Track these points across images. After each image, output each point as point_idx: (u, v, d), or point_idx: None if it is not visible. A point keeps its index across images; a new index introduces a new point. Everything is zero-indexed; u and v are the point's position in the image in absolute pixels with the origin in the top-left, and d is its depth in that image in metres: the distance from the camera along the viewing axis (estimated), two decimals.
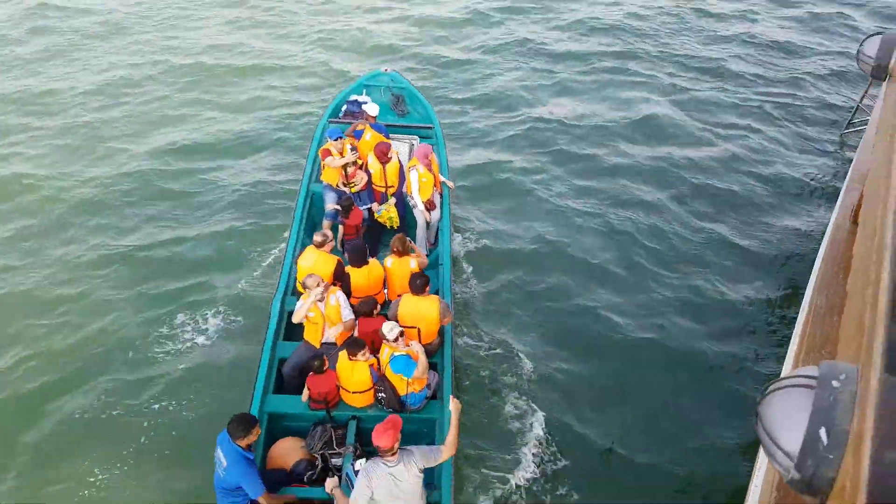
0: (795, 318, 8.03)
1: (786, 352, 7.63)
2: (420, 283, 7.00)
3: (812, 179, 12.06)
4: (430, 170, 8.99)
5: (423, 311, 6.98)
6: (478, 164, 12.12)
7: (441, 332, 7.27)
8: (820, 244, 8.84)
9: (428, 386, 6.72)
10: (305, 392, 6.56)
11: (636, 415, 7.91)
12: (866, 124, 11.30)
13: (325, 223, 8.71)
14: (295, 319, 6.98)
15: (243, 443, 5.55)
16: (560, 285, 9.59)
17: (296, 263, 7.61)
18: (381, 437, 5.33)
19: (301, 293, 7.14)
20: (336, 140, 8.98)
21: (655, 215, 11.00)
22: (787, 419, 3.17)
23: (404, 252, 7.62)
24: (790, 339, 7.67)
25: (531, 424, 7.63)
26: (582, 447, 7.48)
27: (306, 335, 7.00)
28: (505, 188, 11.59)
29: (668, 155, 12.52)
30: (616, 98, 14.46)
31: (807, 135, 13.36)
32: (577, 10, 18.44)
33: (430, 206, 8.98)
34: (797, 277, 9.82)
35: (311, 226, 8.97)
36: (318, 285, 6.77)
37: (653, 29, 17.51)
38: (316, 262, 7.29)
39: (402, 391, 6.54)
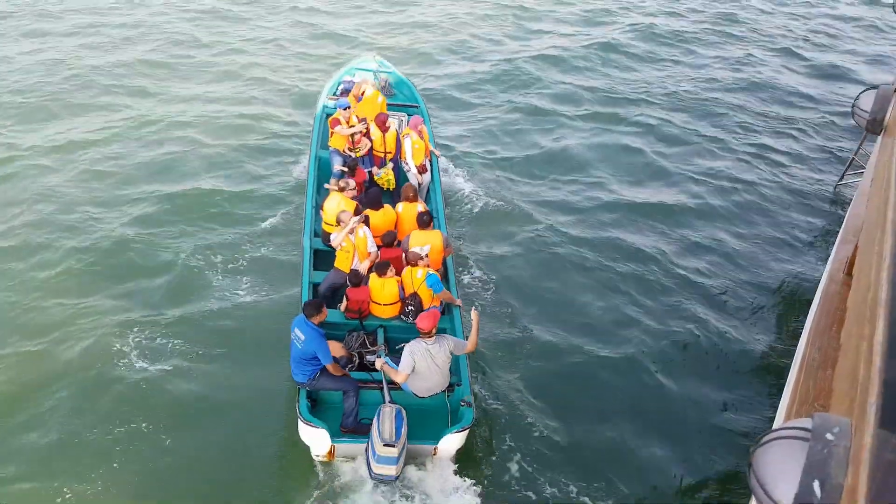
0: (788, 370, 8.01)
1: (777, 403, 7.60)
2: (426, 218, 8.67)
3: (805, 231, 12.16)
4: (421, 137, 10.60)
5: (430, 240, 8.54)
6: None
7: (444, 263, 8.74)
8: (813, 296, 8.84)
9: (441, 303, 8.26)
10: (344, 303, 8.16)
11: (623, 465, 7.82)
12: (860, 177, 11.42)
13: (332, 181, 9.72)
14: (334, 243, 8.62)
15: (316, 320, 7.17)
16: (550, 337, 9.40)
17: (320, 209, 9.26)
18: (425, 321, 7.21)
19: (324, 234, 9.06)
20: (345, 110, 10.45)
21: (645, 263, 10.90)
22: (780, 471, 3.15)
23: (414, 199, 9.24)
24: (782, 390, 7.64)
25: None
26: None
27: (337, 263, 8.54)
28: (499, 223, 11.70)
29: (660, 202, 12.58)
30: (606, 141, 14.53)
31: (801, 186, 13.50)
32: (575, 54, 18.67)
33: (421, 169, 10.44)
34: (790, 329, 9.82)
35: (319, 185, 10.26)
36: (350, 219, 8.44)
37: (647, 72, 17.82)
38: (339, 203, 8.82)
39: (426, 304, 8.02)
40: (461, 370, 7.91)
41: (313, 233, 9.41)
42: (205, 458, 7.36)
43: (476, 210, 11.67)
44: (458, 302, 8.67)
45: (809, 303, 8.83)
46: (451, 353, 7.40)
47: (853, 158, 13.13)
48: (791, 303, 10.44)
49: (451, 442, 7.29)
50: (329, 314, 7.63)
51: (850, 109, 9.36)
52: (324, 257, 9.04)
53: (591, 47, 18.80)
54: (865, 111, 8.32)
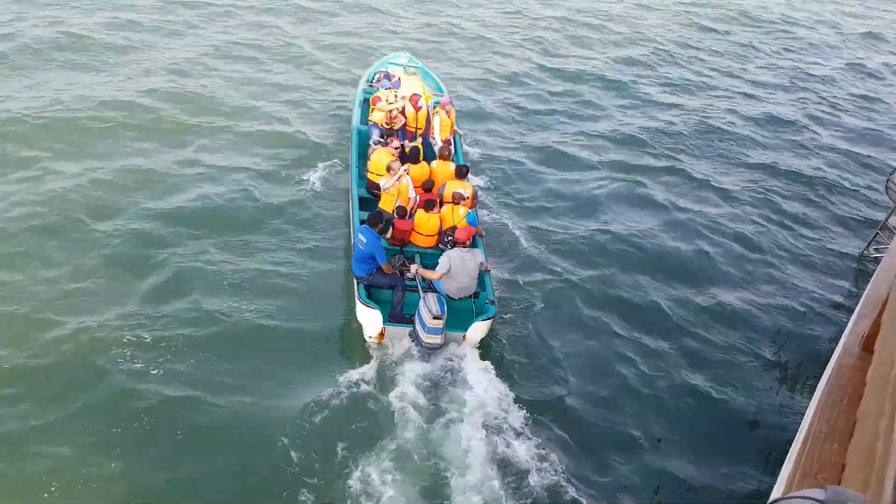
0: (790, 441, 7.81)
1: (777, 473, 7.42)
2: (464, 170, 10.83)
3: (821, 300, 11.87)
4: (448, 116, 12.45)
5: (467, 187, 10.60)
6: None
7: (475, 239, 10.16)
8: (823, 368, 8.64)
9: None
10: (389, 232, 10.15)
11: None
12: (885, 251, 11.19)
13: (373, 147, 11.77)
14: (384, 185, 10.39)
15: (376, 228, 9.35)
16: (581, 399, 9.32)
17: (365, 165, 11.52)
18: (463, 232, 9.46)
19: (369, 183, 11.23)
20: (387, 90, 12.69)
21: (649, 320, 10.65)
22: None
23: (448, 157, 11.24)
24: (782, 461, 7.49)
25: None
26: None
27: (381, 204, 10.37)
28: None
29: (676, 259, 12.32)
30: (625, 189, 14.16)
31: (822, 253, 13.19)
32: (606, 108, 18.15)
33: (444, 153, 11.48)
34: (794, 399, 9.64)
35: (360, 153, 12.31)
36: (399, 167, 10.37)
37: (675, 122, 17.53)
38: (386, 156, 10.84)
39: (464, 237, 9.50)
40: (486, 282, 9.90)
41: (356, 183, 11.53)
42: (281, 339, 9.32)
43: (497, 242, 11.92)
44: (481, 232, 10.67)
45: (818, 375, 8.66)
46: (480, 263, 9.50)
47: (879, 231, 12.93)
48: (798, 373, 10.24)
49: (477, 329, 9.23)
50: None
51: (883, 182, 9.26)
52: (365, 205, 10.95)
53: (618, 91, 18.78)
54: None
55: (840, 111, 19.89)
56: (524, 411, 8.60)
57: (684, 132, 16.87)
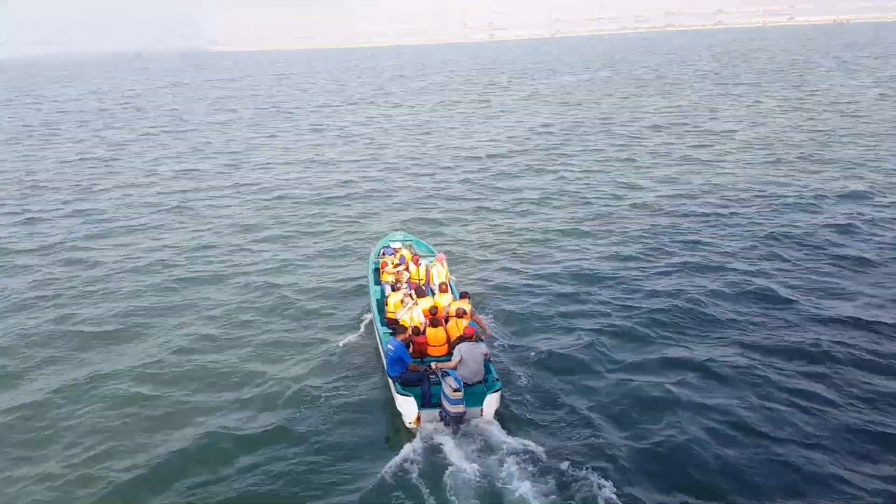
0: None
1: None
2: (464, 294, 15.18)
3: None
4: (444, 265, 16.64)
5: (465, 304, 14.55)
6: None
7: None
8: None
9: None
10: (410, 346, 13.37)
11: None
12: None
13: (388, 295, 15.93)
14: (400, 315, 14.44)
15: (401, 338, 12.95)
16: None
17: (385, 303, 15.78)
18: (468, 330, 12.93)
19: (388, 321, 15.07)
20: (391, 255, 18.13)
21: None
22: None
23: (446, 290, 15.61)
24: None
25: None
26: None
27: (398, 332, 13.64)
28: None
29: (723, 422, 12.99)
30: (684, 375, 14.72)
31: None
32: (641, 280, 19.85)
33: (442, 288, 15.64)
34: None
35: (377, 303, 16.48)
36: (410, 301, 14.70)
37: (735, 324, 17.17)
38: (400, 297, 15.15)
39: (469, 333, 13.10)
40: (490, 367, 13.13)
41: (380, 322, 15.53)
42: (331, 439, 12.85)
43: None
44: (489, 332, 15.05)
45: None
46: (485, 352, 12.80)
47: None
48: None
49: (490, 402, 12.23)
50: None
51: None
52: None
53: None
54: None
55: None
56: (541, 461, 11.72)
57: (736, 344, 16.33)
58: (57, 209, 30.96)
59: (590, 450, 12.17)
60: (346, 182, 34.78)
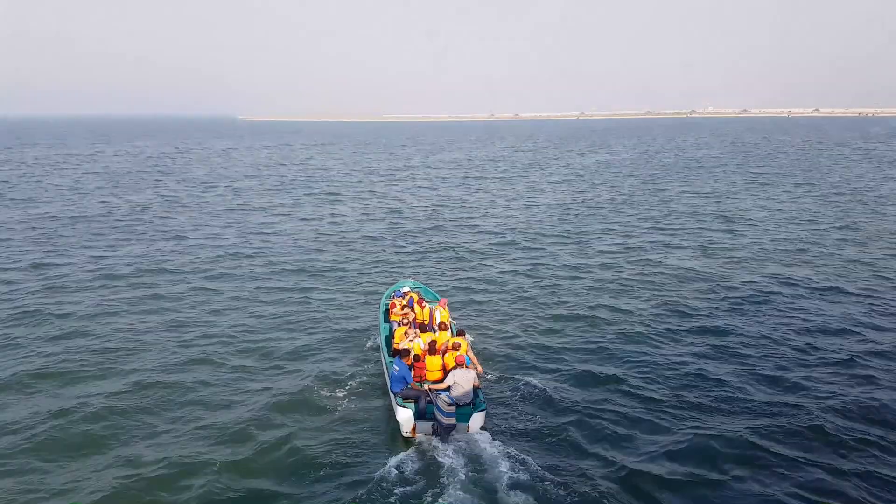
0: None
1: None
2: (460, 331, 16.64)
3: None
4: (445, 308, 18.23)
5: (461, 340, 15.72)
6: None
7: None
8: None
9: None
10: (412, 371, 14.58)
11: None
12: None
13: (395, 329, 17.48)
14: (402, 346, 15.63)
15: (406, 361, 14.36)
16: None
17: (392, 336, 17.19)
18: (460, 357, 14.45)
19: (394, 350, 16.18)
20: (400, 297, 19.30)
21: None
22: None
23: (446, 329, 16.87)
24: None
25: None
26: None
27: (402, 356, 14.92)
28: None
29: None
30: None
31: None
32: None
33: (442, 327, 16.90)
34: None
35: (386, 340, 17.67)
36: (413, 334, 16.09)
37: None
38: (404, 330, 16.72)
39: (460, 361, 14.49)
40: (479, 393, 14.38)
41: (384, 346, 17.29)
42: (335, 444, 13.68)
43: None
44: (480, 369, 15.31)
45: None
46: (474, 377, 14.24)
47: None
48: None
49: (477, 419, 13.60)
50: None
51: None
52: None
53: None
54: None
55: None
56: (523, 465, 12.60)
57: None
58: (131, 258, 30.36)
59: (564, 461, 13.14)
60: (368, 237, 35.85)
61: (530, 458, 12.70)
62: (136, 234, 35.32)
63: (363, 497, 11.65)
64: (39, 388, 16.17)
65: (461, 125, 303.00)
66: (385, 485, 11.92)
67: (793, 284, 24.92)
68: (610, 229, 36.66)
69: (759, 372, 16.93)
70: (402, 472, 12.27)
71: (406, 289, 20.80)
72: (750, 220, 38.94)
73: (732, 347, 18.63)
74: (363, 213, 43.12)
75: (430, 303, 19.67)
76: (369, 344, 19.29)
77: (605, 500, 11.74)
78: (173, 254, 30.55)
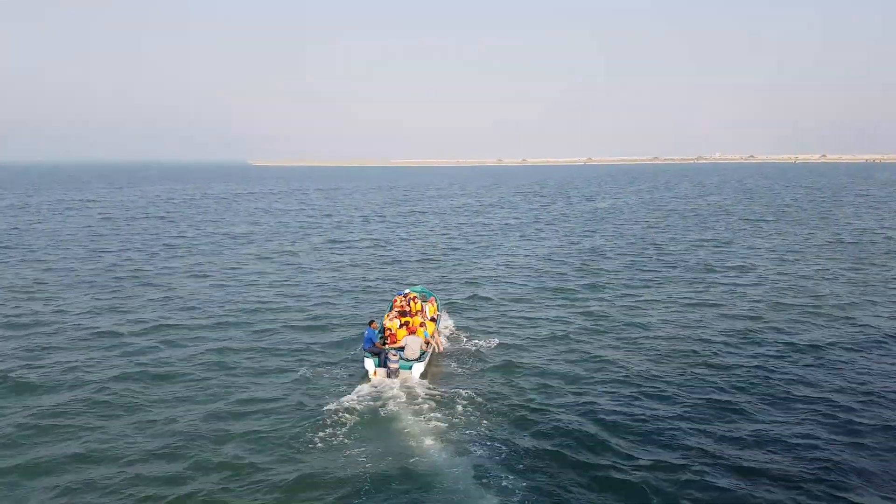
0: None
1: None
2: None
3: None
4: (433, 304, 24.94)
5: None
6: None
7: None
8: None
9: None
10: (383, 337, 21.72)
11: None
12: None
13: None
14: (384, 323, 22.76)
15: (374, 327, 21.15)
16: None
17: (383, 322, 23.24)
18: (411, 329, 21.72)
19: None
20: (402, 296, 25.48)
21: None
22: None
23: (421, 313, 24.06)
24: None
25: None
26: None
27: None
28: None
29: None
30: None
31: None
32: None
33: (421, 315, 23.28)
34: None
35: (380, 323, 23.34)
36: (395, 317, 23.11)
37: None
38: (390, 315, 23.43)
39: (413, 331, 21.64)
40: (425, 355, 20.52)
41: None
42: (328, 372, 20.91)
43: None
44: (438, 338, 22.47)
45: None
46: (421, 345, 20.63)
47: None
48: None
49: (417, 368, 19.93)
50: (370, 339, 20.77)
51: None
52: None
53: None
54: None
55: None
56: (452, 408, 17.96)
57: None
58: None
59: (488, 407, 18.25)
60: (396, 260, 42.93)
61: (455, 398, 18.37)
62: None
63: (336, 411, 17.56)
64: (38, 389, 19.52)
65: (471, 169, 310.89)
66: (350, 405, 18.03)
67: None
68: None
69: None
70: (363, 400, 18.55)
71: (408, 290, 26.84)
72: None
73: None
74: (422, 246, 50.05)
75: (424, 301, 25.89)
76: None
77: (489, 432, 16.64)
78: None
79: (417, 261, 42.55)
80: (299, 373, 20.60)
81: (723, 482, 14.06)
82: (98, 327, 25.51)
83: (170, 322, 26.30)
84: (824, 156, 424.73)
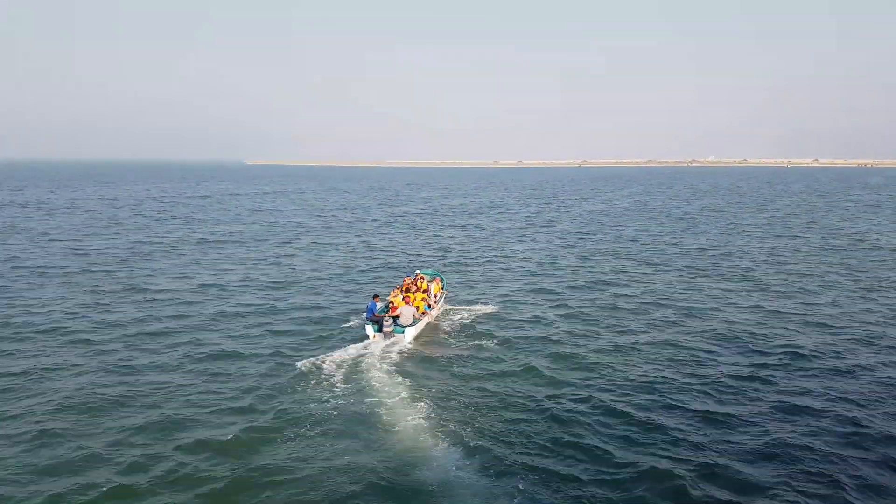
0: None
1: None
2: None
3: None
4: (437, 283, 29.37)
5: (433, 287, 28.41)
6: None
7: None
8: None
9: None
10: (386, 308, 25.41)
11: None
12: None
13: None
14: (390, 299, 25.62)
15: (376, 300, 25.28)
16: None
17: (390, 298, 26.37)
18: (406, 300, 25.41)
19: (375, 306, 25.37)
20: (412, 277, 29.17)
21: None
22: None
23: (424, 290, 28.07)
24: None
25: None
26: None
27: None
28: None
29: None
30: None
31: None
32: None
33: (423, 292, 27.30)
34: None
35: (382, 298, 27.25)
36: (399, 292, 26.82)
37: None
38: (397, 292, 26.97)
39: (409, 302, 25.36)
40: (417, 322, 24.45)
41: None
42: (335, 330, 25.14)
43: None
44: (434, 305, 26.78)
45: None
46: (414, 314, 24.51)
47: None
48: None
49: (409, 332, 23.90)
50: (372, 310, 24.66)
51: None
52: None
53: None
54: None
55: None
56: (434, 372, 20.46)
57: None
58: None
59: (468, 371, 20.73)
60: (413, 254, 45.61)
61: (438, 363, 21.11)
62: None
63: (337, 357, 21.36)
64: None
65: (466, 171, 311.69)
66: (352, 360, 21.46)
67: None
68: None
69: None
70: (363, 356, 21.92)
71: (419, 272, 30.45)
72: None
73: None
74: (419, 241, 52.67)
75: (431, 281, 29.26)
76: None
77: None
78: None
79: (414, 256, 44.30)
80: (296, 357, 21.57)
81: (715, 486, 13.86)
82: (78, 329, 24.60)
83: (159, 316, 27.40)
84: (816, 160, 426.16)
